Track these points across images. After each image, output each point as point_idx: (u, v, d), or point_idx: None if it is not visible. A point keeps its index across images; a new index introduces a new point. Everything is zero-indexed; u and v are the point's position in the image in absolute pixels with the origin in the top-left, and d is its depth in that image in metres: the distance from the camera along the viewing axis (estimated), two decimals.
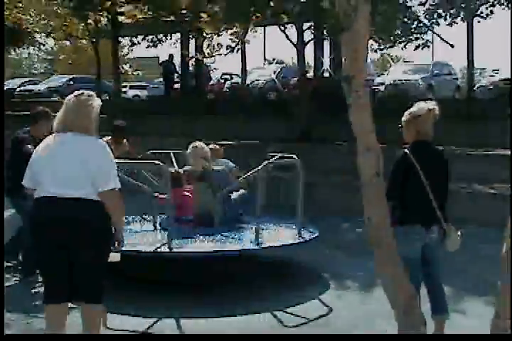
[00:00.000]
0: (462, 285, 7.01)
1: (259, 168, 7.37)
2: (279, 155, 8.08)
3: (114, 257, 5.55)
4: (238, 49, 17.28)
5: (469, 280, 7.32)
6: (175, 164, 8.76)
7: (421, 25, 21.62)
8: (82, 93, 4.89)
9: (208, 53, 15.61)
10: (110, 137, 8.99)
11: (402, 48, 23.67)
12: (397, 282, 3.89)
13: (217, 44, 15.55)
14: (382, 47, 25.31)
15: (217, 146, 8.90)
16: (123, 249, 5.26)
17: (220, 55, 16.38)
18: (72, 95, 4.90)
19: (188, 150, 8.10)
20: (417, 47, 23.35)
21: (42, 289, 4.96)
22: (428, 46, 23.87)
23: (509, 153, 12.07)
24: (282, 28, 16.76)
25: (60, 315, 4.80)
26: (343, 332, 5.67)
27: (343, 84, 3.67)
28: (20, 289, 6.92)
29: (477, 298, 6.63)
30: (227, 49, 16.08)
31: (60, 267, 4.71)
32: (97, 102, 4.88)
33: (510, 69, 17.47)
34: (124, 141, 9.46)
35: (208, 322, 5.99)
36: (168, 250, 6.72)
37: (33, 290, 6.77)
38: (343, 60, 3.61)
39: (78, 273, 4.71)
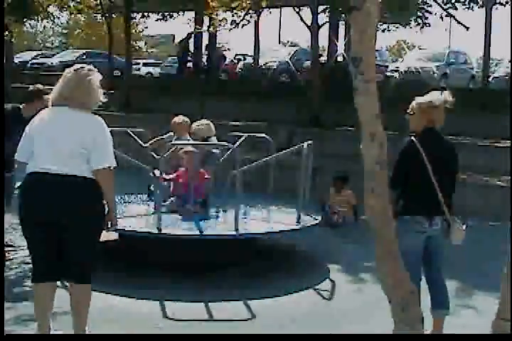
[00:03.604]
0: (466, 281, 6.82)
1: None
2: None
3: (109, 236, 5.37)
4: (243, 25, 16.83)
5: (473, 275, 7.07)
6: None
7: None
8: (82, 67, 4.75)
9: (213, 27, 15.16)
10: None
11: (416, 31, 23.70)
12: (396, 277, 3.72)
13: (223, 19, 15.11)
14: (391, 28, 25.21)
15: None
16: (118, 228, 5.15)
17: (226, 29, 15.96)
18: (72, 69, 4.75)
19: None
20: (418, 24, 23.16)
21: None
22: (428, 25, 23.71)
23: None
24: (297, 9, 16.51)
25: (48, 295, 4.67)
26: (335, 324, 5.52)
27: (350, 67, 3.50)
28: None
29: (479, 295, 6.44)
30: (231, 24, 15.74)
31: (49, 245, 4.58)
32: (96, 77, 4.73)
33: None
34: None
35: (194, 307, 5.84)
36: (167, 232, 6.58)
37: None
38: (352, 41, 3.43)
39: (68, 252, 4.59)
